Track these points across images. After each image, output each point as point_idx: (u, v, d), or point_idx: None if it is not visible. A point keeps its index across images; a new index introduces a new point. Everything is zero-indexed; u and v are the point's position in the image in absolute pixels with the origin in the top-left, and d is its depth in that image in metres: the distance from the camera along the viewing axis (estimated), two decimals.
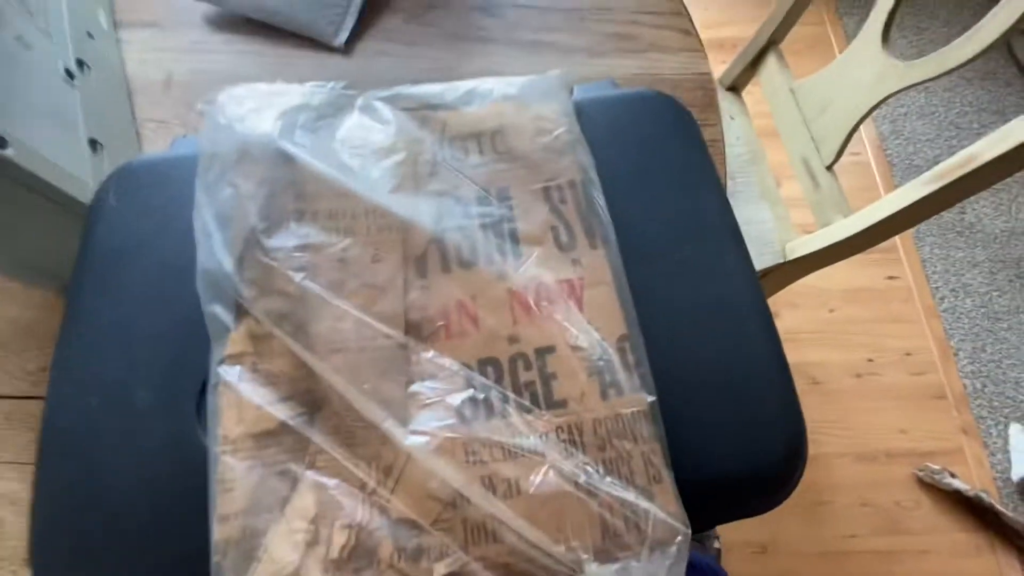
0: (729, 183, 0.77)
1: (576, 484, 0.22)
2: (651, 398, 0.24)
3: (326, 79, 0.30)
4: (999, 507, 0.95)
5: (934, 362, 1.08)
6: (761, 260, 0.73)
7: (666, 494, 0.23)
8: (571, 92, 0.33)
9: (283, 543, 0.22)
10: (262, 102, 0.28)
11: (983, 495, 0.95)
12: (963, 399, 1.06)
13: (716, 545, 0.94)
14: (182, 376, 0.26)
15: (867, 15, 0.61)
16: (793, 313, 1.14)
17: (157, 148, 0.46)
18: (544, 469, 0.22)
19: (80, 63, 0.42)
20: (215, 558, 0.22)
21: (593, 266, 0.27)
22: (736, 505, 0.26)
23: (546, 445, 0.23)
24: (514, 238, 0.27)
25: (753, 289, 0.28)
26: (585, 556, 0.22)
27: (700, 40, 0.49)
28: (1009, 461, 1.01)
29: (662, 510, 0.22)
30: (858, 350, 1.10)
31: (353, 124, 0.29)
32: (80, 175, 0.36)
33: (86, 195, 0.36)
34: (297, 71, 0.49)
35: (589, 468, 0.23)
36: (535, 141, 0.29)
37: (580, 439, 0.23)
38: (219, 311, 0.25)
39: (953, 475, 0.98)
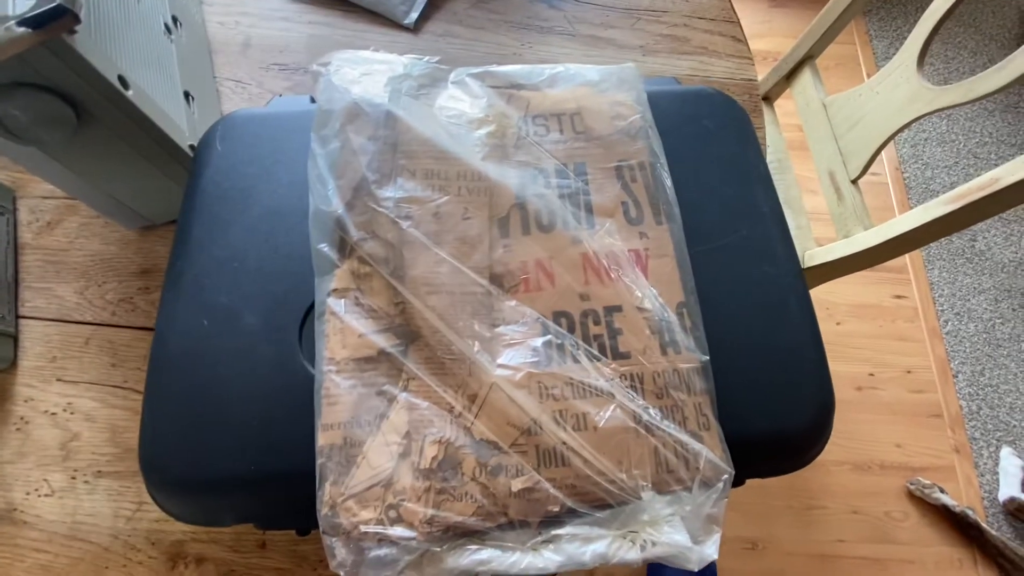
0: None
1: (638, 422, 0.26)
2: (705, 357, 0.28)
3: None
4: (984, 524, 0.98)
5: (933, 381, 1.12)
6: None
7: (714, 440, 0.26)
8: None
9: (380, 452, 0.25)
10: (370, 68, 0.31)
11: (969, 512, 0.99)
12: (959, 419, 1.09)
13: None
14: (285, 306, 0.29)
15: (898, 39, 0.64)
16: None
17: (234, 105, 0.50)
18: (611, 407, 0.26)
19: (175, 20, 0.45)
20: (319, 460, 0.25)
21: (658, 239, 0.30)
22: (766, 461, 0.29)
23: (612, 388, 0.26)
24: (588, 209, 0.30)
25: (795, 272, 0.31)
26: (644, 483, 0.25)
27: (749, 47, 0.52)
28: (997, 482, 1.05)
29: (711, 452, 0.26)
30: (861, 364, 1.13)
31: (448, 95, 0.32)
32: (178, 122, 0.39)
33: (183, 141, 0.39)
34: (367, 45, 0.52)
35: (649, 411, 0.26)
36: (611, 124, 0.32)
37: (641, 386, 0.27)
38: (327, 249, 0.28)
39: (943, 491, 1.01)
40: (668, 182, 0.31)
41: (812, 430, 0.29)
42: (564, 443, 0.25)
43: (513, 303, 0.28)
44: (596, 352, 0.27)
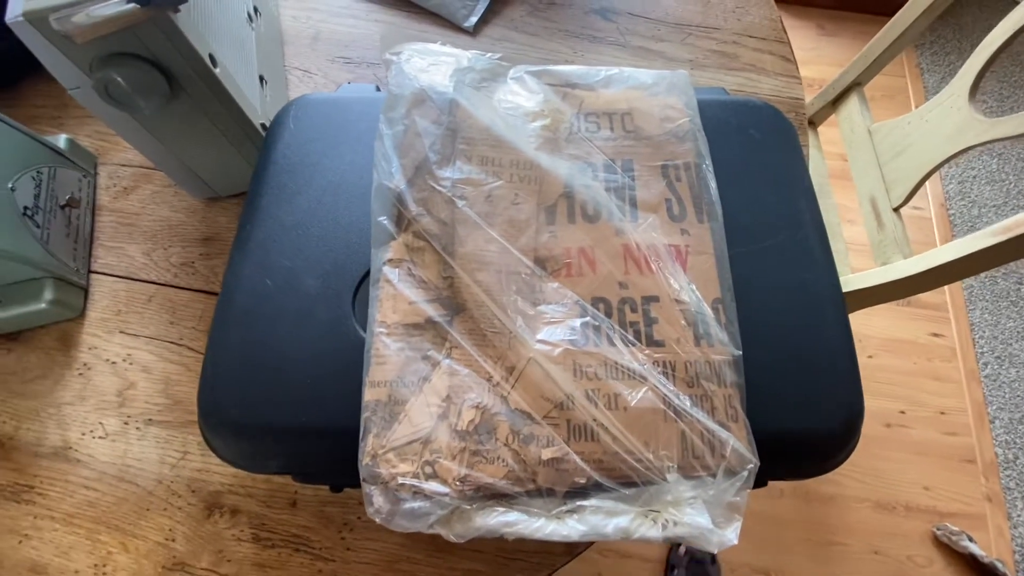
0: None
1: (668, 406, 0.27)
2: (738, 352, 0.28)
3: None
4: None
5: (968, 425, 1.08)
6: None
7: (741, 431, 0.27)
8: None
9: (421, 411, 0.27)
10: (437, 59, 0.34)
11: (999, 564, 0.95)
12: (993, 467, 1.05)
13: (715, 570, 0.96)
14: (342, 273, 0.32)
15: (950, 74, 0.64)
16: None
17: (300, 92, 0.53)
18: (643, 389, 0.27)
19: (256, 10, 0.48)
20: (365, 414, 0.27)
21: (699, 237, 0.31)
22: (792, 461, 0.30)
23: (644, 371, 0.27)
24: (633, 203, 0.32)
25: (832, 281, 0.32)
26: (670, 465, 0.26)
27: (797, 67, 0.53)
28: None
29: (737, 442, 0.26)
30: (892, 400, 1.10)
31: (507, 89, 0.34)
32: (253, 103, 0.42)
33: (256, 119, 0.42)
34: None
35: (680, 397, 0.27)
36: (660, 126, 0.34)
37: (673, 373, 0.28)
38: (386, 222, 0.30)
39: (971, 539, 0.97)
40: (712, 183, 0.32)
41: (839, 435, 0.29)
42: (595, 419, 0.26)
43: (555, 285, 0.29)
44: (631, 338, 0.28)
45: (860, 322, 1.17)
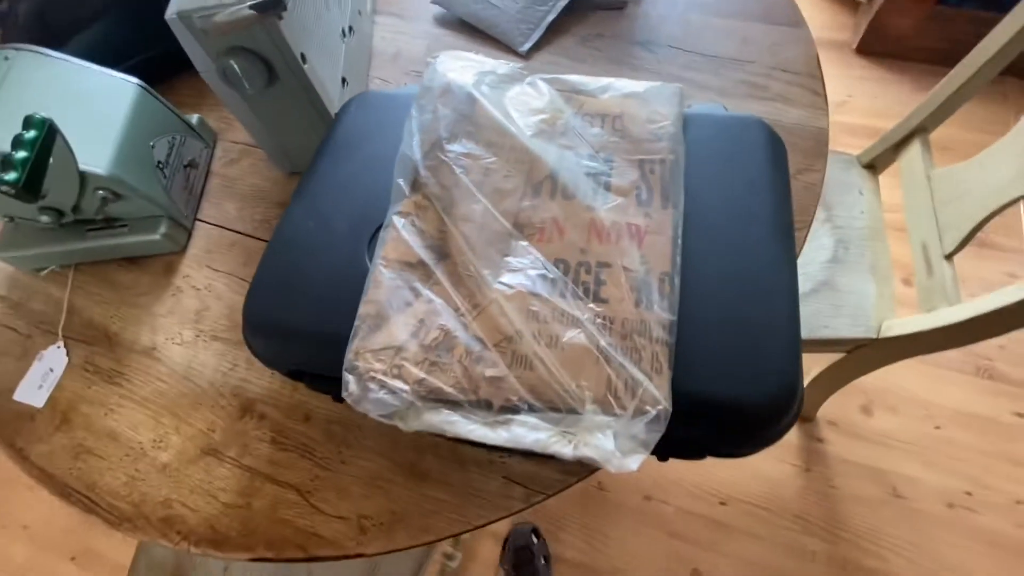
0: (842, 251, 0.79)
1: (598, 349, 0.31)
2: (672, 317, 0.32)
3: None
4: None
5: None
6: (853, 330, 0.73)
7: (661, 380, 0.31)
8: (687, 106, 0.42)
9: (399, 327, 0.34)
10: (466, 63, 0.42)
11: None
12: None
13: None
14: (367, 221, 0.40)
15: None
16: (890, 418, 1.07)
17: None
18: (578, 331, 0.31)
19: (350, 28, 0.60)
20: (357, 322, 0.34)
21: (659, 220, 0.35)
22: (721, 427, 0.33)
23: (584, 320, 0.32)
24: (607, 188, 0.37)
25: (787, 275, 0.34)
26: (589, 395, 0.30)
27: (826, 100, 0.55)
28: None
29: (651, 385, 0.30)
30: (958, 479, 1.00)
31: (520, 91, 0.41)
32: (333, 97, 0.53)
33: (333, 110, 0.52)
34: None
35: (611, 345, 0.31)
36: (644, 127, 0.39)
37: (610, 326, 0.32)
38: (402, 183, 0.38)
39: None
40: (680, 178, 0.37)
41: (769, 407, 0.31)
42: (535, 353, 0.32)
43: (525, 244, 0.35)
44: (581, 293, 0.33)
45: (927, 388, 1.08)
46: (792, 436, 1.07)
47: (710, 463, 1.07)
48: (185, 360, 0.51)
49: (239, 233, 0.57)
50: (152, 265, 0.56)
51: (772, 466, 1.05)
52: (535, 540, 0.98)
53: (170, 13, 0.41)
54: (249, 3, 0.40)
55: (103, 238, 0.54)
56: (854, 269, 0.78)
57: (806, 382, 0.97)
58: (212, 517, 0.44)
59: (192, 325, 0.52)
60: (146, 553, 0.72)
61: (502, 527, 1.04)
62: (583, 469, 0.42)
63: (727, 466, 1.05)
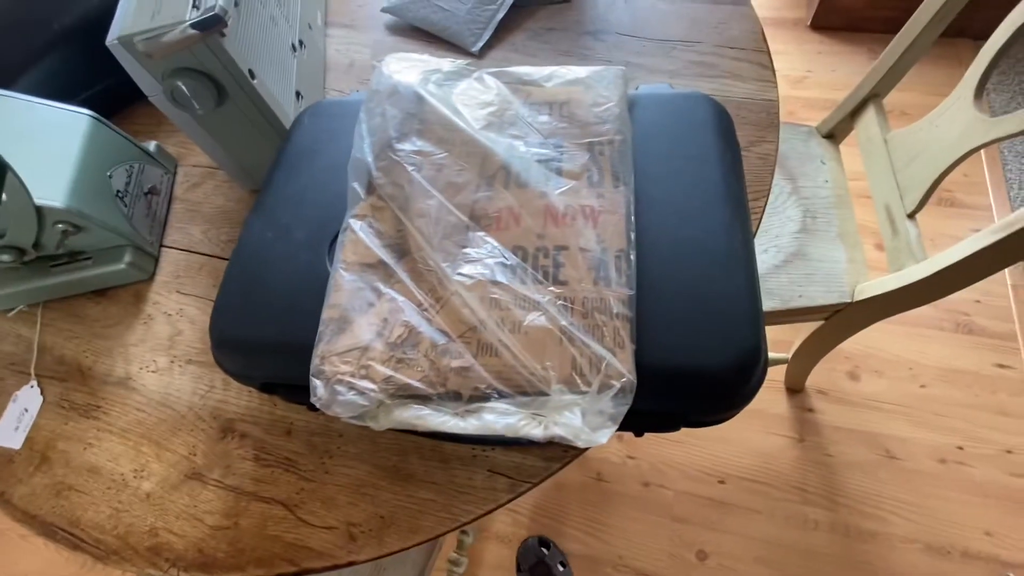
0: (810, 221, 0.81)
1: (560, 330, 0.31)
2: (630, 292, 0.33)
3: None
4: None
5: None
6: (827, 297, 0.75)
7: (624, 356, 0.31)
8: (633, 88, 0.43)
9: (363, 328, 0.34)
10: (412, 64, 0.42)
11: None
12: None
13: None
14: (324, 228, 0.40)
15: (1020, 92, 0.62)
16: (877, 381, 1.08)
17: None
18: (539, 315, 0.32)
19: (300, 43, 0.60)
20: (320, 328, 0.34)
21: (612, 200, 0.36)
22: (687, 396, 0.33)
23: (545, 303, 0.32)
24: (559, 172, 0.37)
25: (741, 242, 0.35)
26: (554, 376, 0.30)
27: (774, 73, 0.57)
28: None
29: (614, 360, 0.30)
30: (948, 434, 1.02)
31: (467, 86, 0.42)
32: (287, 111, 0.53)
33: (288, 124, 0.52)
34: None
35: (573, 324, 0.32)
36: (590, 112, 0.39)
37: (571, 306, 0.32)
38: (357, 186, 0.38)
39: None
40: (630, 157, 0.37)
41: (731, 374, 0.32)
42: (499, 340, 0.32)
43: (482, 234, 0.35)
44: (540, 277, 0.34)
45: (915, 349, 1.10)
46: (783, 408, 1.08)
47: (704, 441, 1.07)
48: (161, 387, 0.50)
49: (206, 255, 0.57)
50: (121, 295, 0.56)
51: (766, 440, 1.06)
52: (545, 551, 0.97)
53: (111, 39, 0.41)
54: (189, 22, 0.40)
55: (68, 272, 0.53)
56: (823, 238, 0.79)
57: (789, 355, 0.99)
58: (199, 541, 0.43)
59: (165, 351, 0.52)
60: None
61: (506, 529, 1.03)
62: (565, 454, 0.42)
63: (722, 444, 1.06)
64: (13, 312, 0.57)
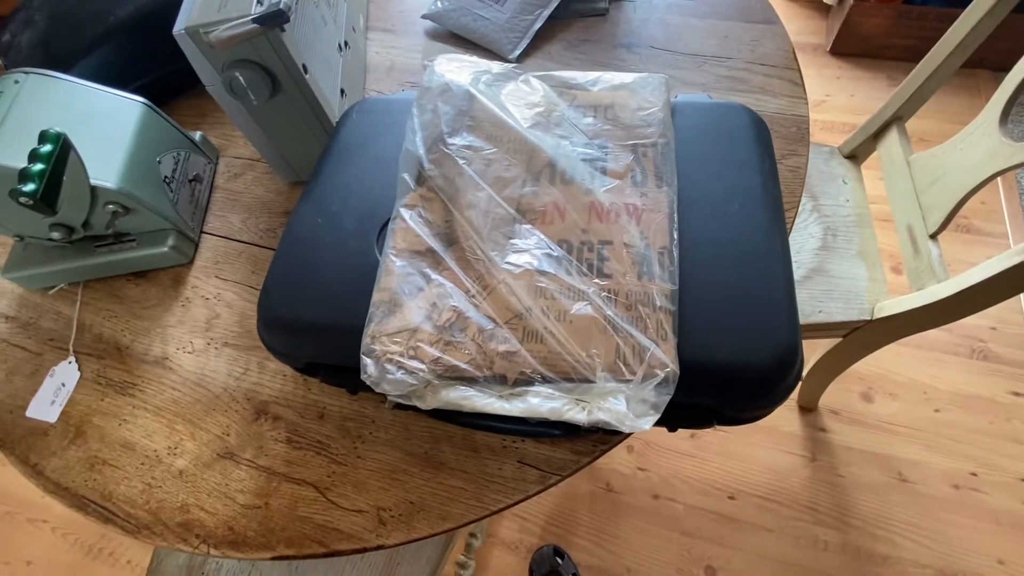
0: (830, 238, 0.82)
1: (605, 319, 0.32)
2: (673, 287, 0.34)
3: None
4: None
5: None
6: (847, 314, 0.75)
7: (668, 346, 0.32)
8: (673, 96, 0.44)
9: (412, 311, 0.35)
10: (462, 64, 0.44)
11: None
12: None
13: None
14: (373, 217, 0.41)
15: None
16: (890, 403, 1.08)
17: None
18: (585, 304, 0.33)
19: (346, 43, 0.62)
20: (372, 309, 0.35)
21: (655, 199, 0.37)
22: (725, 391, 0.34)
23: (590, 293, 0.33)
24: (603, 172, 0.39)
25: (779, 244, 0.36)
26: (600, 363, 0.31)
27: (804, 90, 0.58)
28: None
29: (659, 350, 0.31)
30: (962, 460, 1.01)
31: (514, 88, 0.43)
32: (333, 107, 0.55)
33: (333, 119, 0.54)
34: None
35: (617, 315, 0.33)
36: (635, 115, 0.41)
37: (615, 298, 0.34)
38: (407, 177, 0.40)
39: None
40: (673, 159, 0.39)
41: (773, 365, 0.33)
42: (545, 327, 0.33)
43: (528, 227, 0.37)
44: (585, 269, 0.35)
45: (925, 372, 1.09)
46: (796, 427, 1.08)
47: (715, 456, 1.07)
48: (197, 368, 0.52)
49: (245, 243, 0.58)
50: (160, 278, 0.57)
51: (778, 457, 1.05)
52: (559, 560, 0.97)
53: (178, 29, 0.43)
54: (253, 16, 0.42)
55: (112, 253, 0.55)
56: (843, 255, 0.80)
57: (805, 372, 0.99)
58: (230, 519, 0.44)
59: (202, 333, 0.53)
60: (158, 573, 0.71)
61: (513, 536, 1.03)
62: (595, 449, 0.43)
63: (733, 460, 1.05)
64: (54, 290, 0.58)
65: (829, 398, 1.07)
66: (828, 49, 1.57)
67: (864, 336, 0.77)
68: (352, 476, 0.44)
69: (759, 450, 1.06)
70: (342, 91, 0.59)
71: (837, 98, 1.49)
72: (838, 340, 0.82)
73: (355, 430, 0.46)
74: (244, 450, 0.47)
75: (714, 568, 0.97)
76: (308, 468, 0.45)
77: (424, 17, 0.72)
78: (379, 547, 0.42)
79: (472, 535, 0.94)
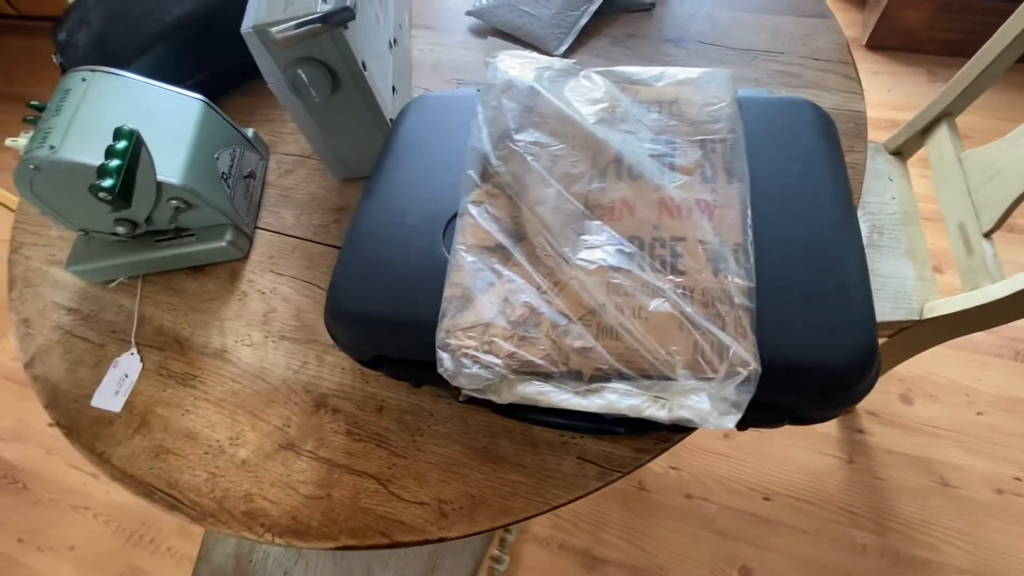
0: (876, 236, 0.80)
1: (683, 315, 0.32)
2: (751, 284, 0.33)
3: None
4: None
5: None
6: (895, 313, 0.74)
7: (747, 344, 0.32)
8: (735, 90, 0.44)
9: (485, 306, 0.35)
10: (524, 60, 0.44)
11: None
12: None
13: None
14: (437, 214, 0.41)
15: None
16: (931, 406, 1.06)
17: None
18: (663, 300, 0.33)
19: (395, 40, 0.63)
20: (444, 304, 0.36)
21: (726, 195, 0.37)
22: (804, 390, 0.33)
23: (666, 290, 0.33)
24: (672, 168, 0.38)
25: (853, 241, 0.36)
26: (679, 360, 0.31)
27: (860, 85, 0.57)
28: None
29: (740, 348, 0.31)
30: (1006, 464, 0.99)
31: (576, 84, 0.43)
32: (387, 104, 0.55)
33: (388, 115, 0.55)
34: None
35: (696, 312, 0.33)
36: (702, 110, 0.40)
37: (691, 295, 0.33)
38: (473, 174, 0.40)
39: None
40: (743, 155, 0.38)
41: (849, 369, 0.32)
42: (621, 324, 0.33)
43: (598, 223, 0.37)
44: (658, 266, 0.35)
45: (969, 375, 1.07)
46: (832, 428, 1.07)
47: (749, 456, 1.06)
48: (256, 360, 0.53)
49: (299, 239, 0.59)
50: (217, 272, 0.59)
51: (814, 459, 1.04)
52: None
53: (245, 27, 0.44)
54: (320, 14, 0.43)
55: (172, 248, 0.56)
56: (890, 254, 0.78)
57: None
58: (294, 509, 0.45)
59: (260, 327, 0.54)
60: (206, 562, 0.73)
61: (545, 532, 1.03)
62: (655, 447, 0.43)
63: (768, 460, 1.04)
64: (114, 283, 0.60)
65: (868, 400, 1.05)
66: (864, 43, 1.54)
67: (912, 336, 0.75)
68: (412, 469, 0.45)
69: (794, 451, 1.05)
70: (393, 88, 0.59)
71: (874, 94, 1.46)
72: (883, 340, 0.80)
73: (413, 423, 0.47)
74: (305, 442, 0.48)
75: (749, 569, 0.96)
76: (368, 460, 0.46)
77: (468, 14, 0.72)
78: (441, 539, 0.42)
79: (507, 530, 0.94)
